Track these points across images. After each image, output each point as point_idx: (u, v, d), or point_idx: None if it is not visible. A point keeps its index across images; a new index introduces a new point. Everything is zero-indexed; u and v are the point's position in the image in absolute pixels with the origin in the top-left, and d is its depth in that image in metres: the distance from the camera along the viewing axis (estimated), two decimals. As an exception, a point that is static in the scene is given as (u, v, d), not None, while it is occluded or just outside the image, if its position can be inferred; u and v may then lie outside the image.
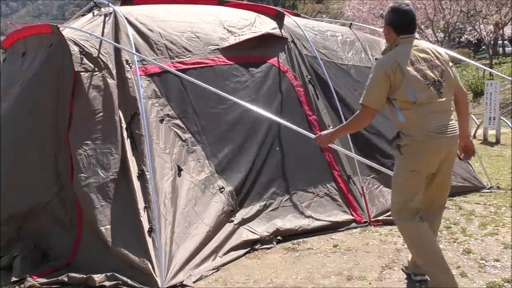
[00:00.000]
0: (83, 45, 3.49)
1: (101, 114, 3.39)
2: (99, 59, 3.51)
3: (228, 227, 3.57)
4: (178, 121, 3.69)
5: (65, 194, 3.41)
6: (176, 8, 4.31)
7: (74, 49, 3.45)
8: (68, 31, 3.56)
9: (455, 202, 4.83)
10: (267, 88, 4.28)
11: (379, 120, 4.77)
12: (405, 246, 3.67)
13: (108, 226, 3.14)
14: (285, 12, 4.84)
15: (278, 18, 4.68)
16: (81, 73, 3.41)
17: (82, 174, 3.27)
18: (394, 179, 2.84)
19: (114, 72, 3.52)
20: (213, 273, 3.23)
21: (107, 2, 3.80)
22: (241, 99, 3.96)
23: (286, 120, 4.28)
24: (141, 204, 3.16)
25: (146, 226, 3.07)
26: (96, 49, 3.53)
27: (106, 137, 3.35)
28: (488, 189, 5.35)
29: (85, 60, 3.46)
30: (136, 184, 3.24)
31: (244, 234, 3.63)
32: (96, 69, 3.49)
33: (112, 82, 3.48)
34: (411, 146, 2.69)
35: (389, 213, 4.42)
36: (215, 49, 4.08)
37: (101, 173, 3.27)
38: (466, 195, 5.08)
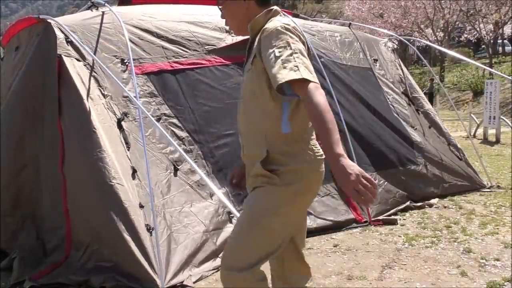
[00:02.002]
0: (68, 35, 3.49)
1: (85, 101, 3.31)
2: (81, 51, 3.50)
3: (228, 228, 3.56)
4: (175, 120, 3.68)
5: (55, 183, 3.39)
6: (173, 9, 4.31)
7: (60, 35, 3.45)
8: (56, 20, 3.57)
9: (455, 202, 4.83)
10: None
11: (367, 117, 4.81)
12: (406, 245, 3.68)
13: (101, 220, 3.13)
14: (283, 13, 4.84)
15: None
16: (64, 57, 3.39)
17: (73, 162, 3.28)
18: (256, 221, 1.82)
19: (96, 66, 3.50)
20: (213, 273, 3.23)
21: (104, 2, 3.80)
22: (237, 99, 3.96)
23: None
24: (135, 202, 3.14)
25: (142, 225, 3.06)
26: (81, 42, 3.53)
27: (92, 128, 3.27)
28: (488, 188, 5.36)
29: (69, 47, 3.46)
30: (131, 183, 3.22)
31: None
32: (79, 57, 3.48)
33: (93, 74, 3.47)
34: (300, 172, 1.80)
35: (389, 212, 4.46)
36: (212, 50, 4.08)
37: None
38: (466, 194, 5.09)
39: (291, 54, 1.70)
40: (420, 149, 5.09)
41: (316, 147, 1.87)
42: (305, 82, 1.64)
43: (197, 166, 3.62)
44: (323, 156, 1.82)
